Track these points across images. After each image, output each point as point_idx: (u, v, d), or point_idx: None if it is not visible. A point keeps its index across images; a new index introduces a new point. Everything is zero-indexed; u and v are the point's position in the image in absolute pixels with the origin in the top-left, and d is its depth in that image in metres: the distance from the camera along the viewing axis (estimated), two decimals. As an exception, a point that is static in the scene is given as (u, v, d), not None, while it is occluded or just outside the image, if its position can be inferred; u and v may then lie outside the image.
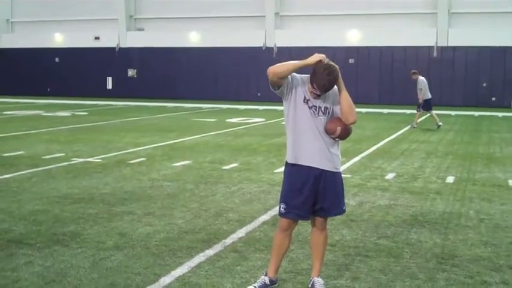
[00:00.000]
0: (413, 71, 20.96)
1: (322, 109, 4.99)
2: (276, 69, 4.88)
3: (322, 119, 5.00)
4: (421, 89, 20.02)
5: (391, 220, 7.71)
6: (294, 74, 5.03)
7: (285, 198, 5.13)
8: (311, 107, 4.98)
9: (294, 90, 5.01)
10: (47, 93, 38.17)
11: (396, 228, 7.30)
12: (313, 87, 4.89)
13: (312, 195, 5.03)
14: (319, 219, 5.23)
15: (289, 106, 5.07)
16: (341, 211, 5.26)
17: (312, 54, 5.00)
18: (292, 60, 4.97)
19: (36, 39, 39.71)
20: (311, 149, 5.00)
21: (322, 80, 4.82)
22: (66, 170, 11.17)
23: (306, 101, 4.98)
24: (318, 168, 5.00)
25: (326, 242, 5.34)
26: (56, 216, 7.70)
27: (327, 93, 4.98)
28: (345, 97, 4.98)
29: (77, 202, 8.50)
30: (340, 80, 4.95)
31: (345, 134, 5.07)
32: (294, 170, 5.09)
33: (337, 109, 5.03)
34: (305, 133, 5.00)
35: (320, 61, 4.88)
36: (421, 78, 20.27)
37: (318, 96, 4.96)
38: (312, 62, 4.88)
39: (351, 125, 5.10)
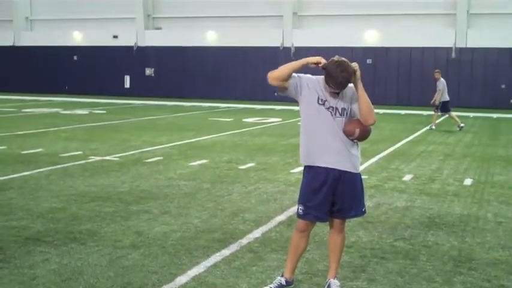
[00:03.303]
0: (437, 70, 20.82)
1: (340, 110, 4.96)
2: (273, 74, 4.93)
3: (339, 120, 4.97)
4: (440, 90, 19.91)
5: (408, 222, 7.67)
6: (303, 75, 5.02)
7: (303, 200, 5.12)
8: (328, 108, 4.95)
9: (305, 91, 4.99)
10: (65, 91, 38.41)
11: (413, 230, 7.26)
12: (330, 86, 4.87)
13: (330, 196, 5.02)
14: (337, 221, 5.21)
15: (302, 107, 5.07)
16: (360, 212, 5.24)
17: (330, 54, 5.01)
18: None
19: (55, 37, 39.96)
20: (330, 150, 4.97)
21: (336, 77, 4.79)
22: (84, 168, 11.24)
23: (322, 101, 4.95)
24: (338, 169, 4.98)
25: (343, 244, 5.33)
26: (73, 214, 7.75)
27: (344, 93, 4.95)
28: (364, 98, 4.94)
29: (94, 200, 8.55)
30: (359, 81, 4.91)
31: (364, 135, 5.05)
32: (312, 172, 5.06)
33: (355, 108, 4.98)
34: (323, 134, 4.98)
35: (319, 62, 4.86)
36: (442, 79, 20.15)
37: (336, 95, 4.93)
38: (310, 62, 4.89)
39: (370, 126, 5.06)
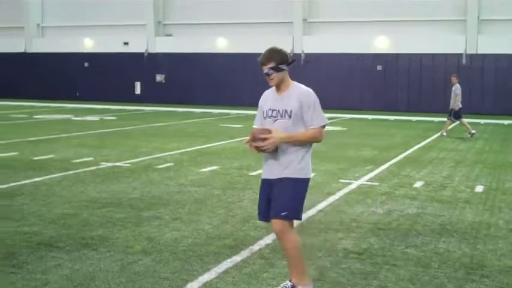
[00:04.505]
0: (454, 75, 20.71)
1: (281, 112, 5.12)
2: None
3: (281, 122, 5.12)
4: (458, 95, 19.78)
5: (419, 229, 7.65)
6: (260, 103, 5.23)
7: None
8: (270, 116, 5.20)
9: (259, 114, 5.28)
10: (76, 98, 38.59)
11: (424, 238, 7.24)
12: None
13: None
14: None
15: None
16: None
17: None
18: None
19: (66, 44, 40.17)
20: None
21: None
22: (95, 174, 11.28)
23: (266, 114, 5.19)
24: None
25: (287, 248, 5.17)
26: (85, 220, 7.78)
27: (289, 95, 5.09)
28: (302, 137, 5.03)
29: (106, 206, 8.58)
30: (286, 139, 4.99)
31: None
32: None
33: (300, 113, 5.04)
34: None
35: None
36: (458, 85, 20.02)
37: (280, 99, 5.09)
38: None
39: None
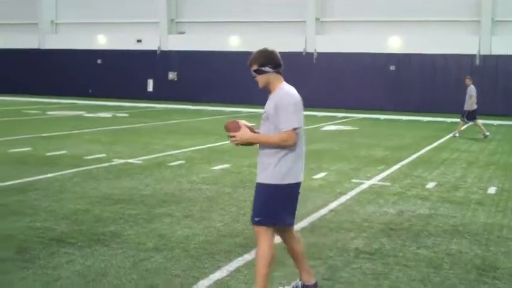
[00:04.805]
0: (468, 76, 20.61)
1: (263, 115, 5.08)
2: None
3: (264, 125, 5.08)
4: (473, 96, 19.69)
5: (431, 230, 7.62)
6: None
7: None
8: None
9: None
10: (88, 94, 38.71)
11: (436, 238, 7.21)
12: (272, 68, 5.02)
13: None
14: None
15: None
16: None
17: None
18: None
19: (79, 40, 40.35)
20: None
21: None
22: (107, 171, 11.32)
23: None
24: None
25: (258, 256, 4.98)
26: (97, 216, 7.81)
27: (271, 97, 5.03)
28: (270, 141, 4.96)
29: (118, 203, 8.60)
30: (253, 139, 5.04)
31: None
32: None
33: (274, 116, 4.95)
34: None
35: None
36: (472, 86, 19.93)
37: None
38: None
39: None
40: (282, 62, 5.08)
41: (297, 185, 5.01)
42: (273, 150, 4.96)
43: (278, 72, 5.04)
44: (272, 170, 4.96)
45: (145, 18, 39.03)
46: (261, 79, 5.04)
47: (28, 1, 41.65)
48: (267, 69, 4.99)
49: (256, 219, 4.92)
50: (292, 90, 5.01)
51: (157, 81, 38.58)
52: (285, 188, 4.92)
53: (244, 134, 5.01)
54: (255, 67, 5.01)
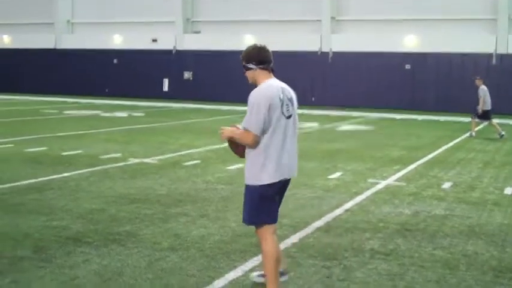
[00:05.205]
0: (478, 77, 20.49)
1: None
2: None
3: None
4: (481, 97, 19.59)
5: (447, 231, 7.59)
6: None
7: None
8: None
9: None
10: (105, 94, 38.87)
11: (452, 239, 7.18)
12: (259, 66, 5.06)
13: None
14: None
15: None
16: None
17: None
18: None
19: (95, 40, 40.54)
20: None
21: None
22: (123, 170, 11.37)
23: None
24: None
25: (262, 254, 5.16)
26: (113, 215, 7.85)
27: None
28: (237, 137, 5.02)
29: (133, 202, 8.64)
30: (236, 136, 5.05)
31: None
32: None
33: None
34: None
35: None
36: (483, 86, 19.82)
37: None
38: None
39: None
40: (269, 59, 5.07)
41: (273, 185, 4.94)
42: (248, 151, 5.02)
43: (264, 69, 5.04)
44: (250, 170, 5.01)
45: (160, 18, 39.13)
46: (248, 75, 5.15)
47: (44, 1, 41.92)
48: (251, 65, 5.06)
49: (245, 219, 5.10)
50: (270, 87, 4.99)
51: (173, 81, 38.67)
52: (260, 188, 4.94)
53: (229, 130, 5.10)
54: (243, 63, 5.09)
